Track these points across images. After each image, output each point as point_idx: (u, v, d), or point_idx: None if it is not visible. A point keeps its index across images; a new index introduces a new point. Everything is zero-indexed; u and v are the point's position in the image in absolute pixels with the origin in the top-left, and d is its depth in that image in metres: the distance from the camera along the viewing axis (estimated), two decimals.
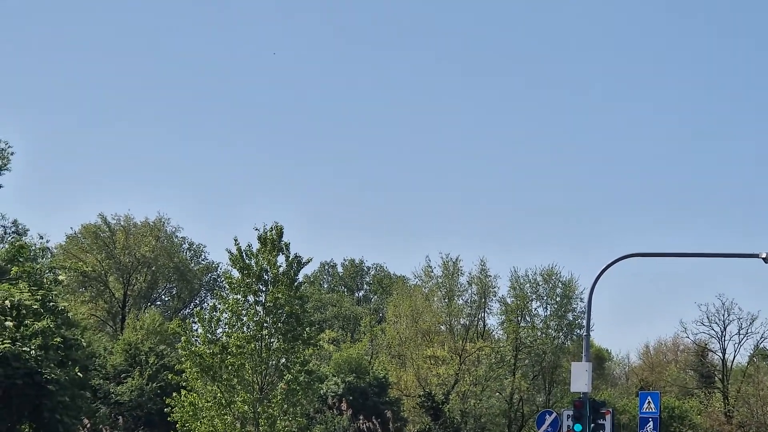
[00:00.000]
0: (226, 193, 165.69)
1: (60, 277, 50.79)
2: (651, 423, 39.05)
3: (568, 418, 35.88)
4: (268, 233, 45.00)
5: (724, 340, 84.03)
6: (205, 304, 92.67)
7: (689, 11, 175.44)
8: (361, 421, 36.91)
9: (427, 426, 68.97)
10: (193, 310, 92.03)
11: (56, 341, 40.35)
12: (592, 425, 30.25)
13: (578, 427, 30.19)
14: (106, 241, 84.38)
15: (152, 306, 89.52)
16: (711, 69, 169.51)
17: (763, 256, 29.88)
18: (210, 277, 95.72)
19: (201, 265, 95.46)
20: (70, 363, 42.42)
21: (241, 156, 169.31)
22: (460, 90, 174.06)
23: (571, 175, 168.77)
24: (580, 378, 30.54)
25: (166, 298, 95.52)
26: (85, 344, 46.54)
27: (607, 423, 33.00)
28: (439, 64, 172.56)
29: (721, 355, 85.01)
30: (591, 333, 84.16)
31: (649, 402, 39.46)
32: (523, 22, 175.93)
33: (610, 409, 33.38)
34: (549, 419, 34.54)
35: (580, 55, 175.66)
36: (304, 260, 46.13)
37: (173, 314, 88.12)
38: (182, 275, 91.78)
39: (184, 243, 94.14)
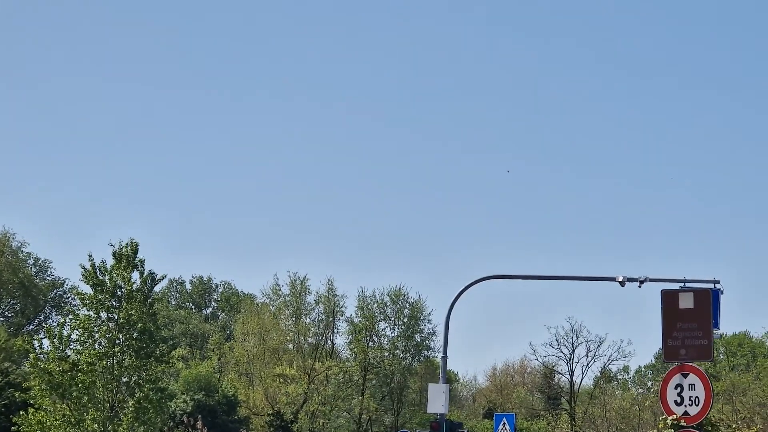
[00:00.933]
0: (73, 209, 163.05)
1: None
2: None
3: None
4: (123, 249, 44.58)
5: (573, 363, 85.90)
6: (51, 320, 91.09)
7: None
8: None
9: None
10: (36, 326, 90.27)
11: None
12: None
13: None
14: None
15: None
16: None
17: (620, 279, 30.81)
18: (56, 293, 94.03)
19: (47, 281, 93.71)
20: None
21: (89, 171, 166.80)
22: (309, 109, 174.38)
23: (424, 199, 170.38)
24: (438, 399, 30.85)
25: (10, 314, 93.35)
26: None
27: None
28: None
29: (569, 377, 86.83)
30: (437, 355, 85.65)
31: (504, 424, 40.06)
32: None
33: (466, 430, 34.01)
34: None
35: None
36: (158, 277, 45.90)
37: (17, 330, 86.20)
38: (27, 291, 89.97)
39: (30, 258, 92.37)
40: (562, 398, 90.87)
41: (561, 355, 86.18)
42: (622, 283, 31.29)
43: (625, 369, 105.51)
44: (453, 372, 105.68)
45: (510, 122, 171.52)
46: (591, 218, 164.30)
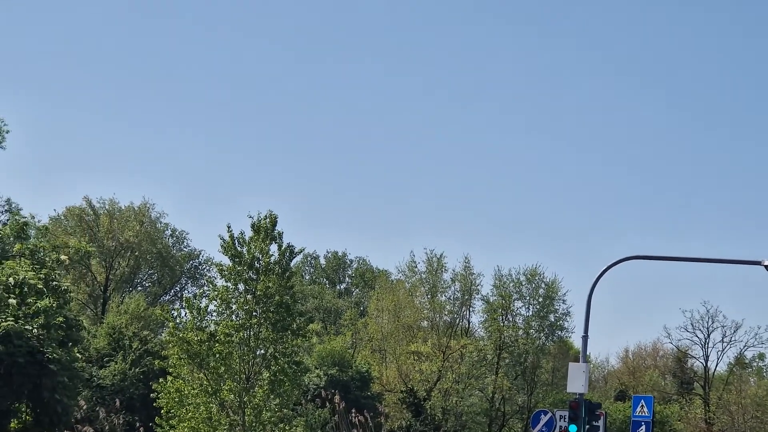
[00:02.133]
0: (211, 183, 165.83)
1: (62, 257, 50.28)
2: (643, 427, 38.82)
3: (560, 418, 35.68)
4: (262, 221, 44.50)
5: (707, 347, 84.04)
6: (187, 291, 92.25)
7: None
8: (353, 415, 36.49)
9: (408, 422, 68.57)
10: (173, 297, 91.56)
11: (58, 321, 39.93)
12: (587, 426, 29.87)
13: (573, 427, 29.82)
14: (90, 224, 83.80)
15: (134, 291, 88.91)
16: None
17: (766, 263, 29.68)
18: (191, 264, 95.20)
19: (183, 252, 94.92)
20: (70, 343, 42.02)
21: (226, 148, 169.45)
22: (447, 98, 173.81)
23: (558, 181, 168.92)
24: (577, 379, 30.16)
25: (147, 284, 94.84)
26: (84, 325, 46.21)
27: (601, 425, 32.79)
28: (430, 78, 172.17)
29: (703, 362, 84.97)
30: (571, 336, 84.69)
31: (642, 406, 39.25)
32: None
33: (604, 411, 33.14)
34: (544, 419, 34.26)
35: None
36: (296, 249, 45.75)
37: (154, 300, 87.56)
38: (164, 261, 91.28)
39: (167, 230, 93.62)
40: (695, 383, 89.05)
41: (696, 339, 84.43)
42: (767, 267, 30.14)
43: (761, 356, 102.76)
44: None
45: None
46: (724, 201, 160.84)
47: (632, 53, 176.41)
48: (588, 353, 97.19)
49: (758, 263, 30.01)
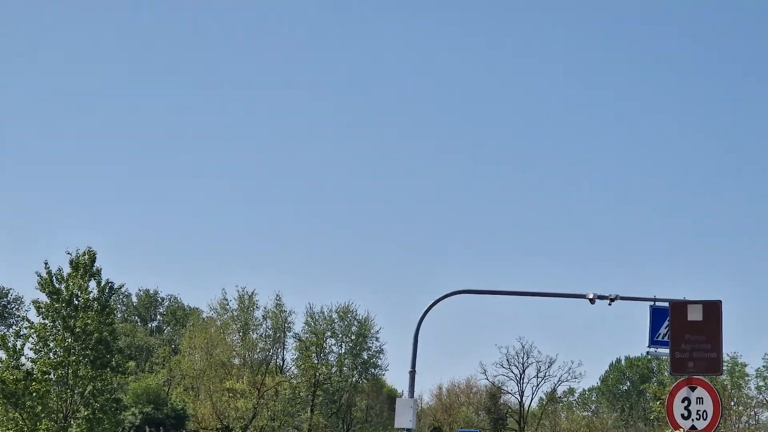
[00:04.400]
0: (16, 219, 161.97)
1: None
2: None
3: None
4: (81, 258, 44.02)
5: (523, 383, 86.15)
6: None
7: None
8: None
9: None
10: None
11: None
12: None
13: None
14: None
15: None
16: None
17: (590, 296, 30.66)
18: (0, 303, 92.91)
19: None
20: None
21: (31, 183, 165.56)
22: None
23: (376, 217, 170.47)
24: (405, 414, 30.33)
25: None
26: None
27: None
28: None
29: (518, 397, 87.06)
30: (384, 373, 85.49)
31: None
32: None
33: None
34: None
35: None
36: (116, 286, 45.39)
37: None
38: None
39: None
40: (509, 418, 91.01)
41: (511, 374, 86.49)
42: (592, 301, 31.03)
43: (571, 391, 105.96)
44: (395, 389, 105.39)
45: (477, 130, 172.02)
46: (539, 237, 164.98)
47: None
48: (400, 390, 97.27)
49: (583, 296, 30.95)
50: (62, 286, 43.64)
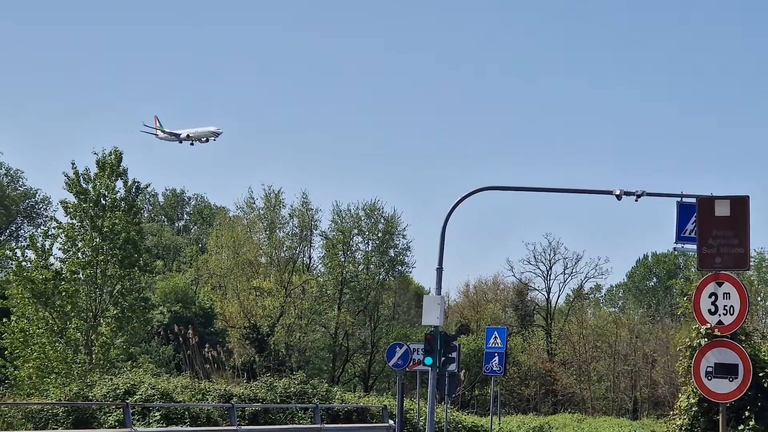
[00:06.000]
0: (44, 120, 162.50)
1: None
2: (497, 357, 39.85)
3: (414, 351, 36.34)
4: (107, 158, 43.99)
5: (550, 280, 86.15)
6: (23, 230, 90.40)
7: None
8: (206, 350, 36.58)
9: (252, 358, 68.80)
10: (8, 237, 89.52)
11: None
12: (443, 359, 30.31)
13: (429, 360, 30.07)
14: None
15: None
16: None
17: (617, 193, 30.51)
18: (28, 203, 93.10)
19: (18, 192, 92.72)
20: None
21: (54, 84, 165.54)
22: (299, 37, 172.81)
23: (400, 114, 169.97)
24: (432, 311, 30.47)
25: None
26: None
27: (455, 356, 33.57)
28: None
29: (545, 294, 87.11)
30: (411, 271, 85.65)
31: (495, 337, 40.21)
32: None
33: (457, 344, 33.77)
34: (399, 352, 34.62)
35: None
36: (143, 186, 45.49)
37: None
38: None
39: (1, 168, 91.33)
40: (536, 315, 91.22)
41: (538, 271, 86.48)
42: (618, 197, 30.94)
43: (598, 288, 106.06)
44: (422, 286, 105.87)
45: (497, 31, 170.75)
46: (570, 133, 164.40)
47: None
48: (427, 287, 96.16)
49: (609, 192, 30.81)
50: (89, 186, 43.62)
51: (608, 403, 75.12)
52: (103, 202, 43.61)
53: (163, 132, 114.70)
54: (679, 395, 17.58)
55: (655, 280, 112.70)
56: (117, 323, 42.94)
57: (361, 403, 37.39)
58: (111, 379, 32.38)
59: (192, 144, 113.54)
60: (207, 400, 31.19)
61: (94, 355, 42.29)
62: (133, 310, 43.65)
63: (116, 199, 43.70)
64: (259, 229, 79.26)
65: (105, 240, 43.15)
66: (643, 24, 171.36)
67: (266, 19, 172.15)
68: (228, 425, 28.26)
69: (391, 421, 34.01)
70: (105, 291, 43.75)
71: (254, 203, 79.30)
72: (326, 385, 38.00)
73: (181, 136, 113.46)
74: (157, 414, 28.79)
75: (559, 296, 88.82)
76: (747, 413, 16.17)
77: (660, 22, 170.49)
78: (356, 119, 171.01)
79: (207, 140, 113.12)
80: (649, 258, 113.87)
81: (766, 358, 16.74)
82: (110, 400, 29.84)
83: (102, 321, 43.20)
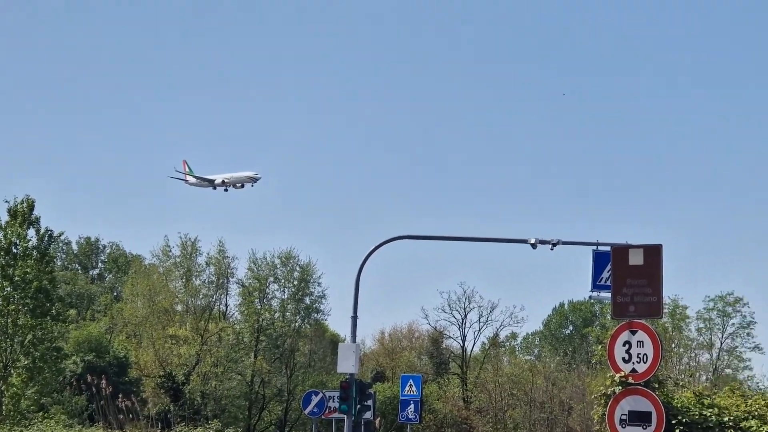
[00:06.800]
0: None
1: None
2: (412, 405, 39.81)
3: (330, 398, 36.14)
4: (19, 206, 43.45)
5: (465, 328, 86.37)
6: None
7: None
8: (120, 400, 36.04)
9: (167, 407, 67.96)
10: None
11: None
12: (359, 406, 30.33)
13: (344, 407, 30.18)
14: None
15: None
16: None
17: (532, 242, 30.80)
18: None
19: None
20: None
21: None
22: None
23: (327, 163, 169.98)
24: (348, 358, 30.58)
25: None
26: None
27: (371, 404, 33.49)
28: None
29: (460, 342, 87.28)
30: (326, 318, 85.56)
31: (410, 385, 40.21)
32: None
33: (373, 391, 33.72)
34: (315, 399, 34.54)
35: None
36: (56, 233, 44.93)
37: None
38: None
39: None
40: (451, 362, 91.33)
41: (453, 319, 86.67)
42: (534, 246, 31.28)
43: (513, 336, 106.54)
44: (338, 334, 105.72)
45: (400, 81, 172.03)
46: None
47: None
48: (342, 335, 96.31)
49: (525, 241, 31.10)
50: (0, 235, 43.05)
51: None
52: (15, 250, 43.02)
53: (194, 177, 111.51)
54: None
55: (571, 327, 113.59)
56: (28, 374, 42.30)
57: None
58: (21, 431, 31.79)
59: (226, 190, 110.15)
60: None
61: (4, 407, 41.58)
62: (44, 360, 43.01)
63: (28, 248, 43.15)
64: (175, 277, 78.76)
65: (16, 289, 42.63)
66: (546, 73, 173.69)
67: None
68: None
69: None
70: (16, 341, 43.10)
71: (170, 251, 78.86)
72: None
73: (216, 182, 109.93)
74: None
75: (474, 344, 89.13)
76: None
77: (557, 70, 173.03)
78: (273, 169, 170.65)
79: (242, 186, 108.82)
80: (566, 306, 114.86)
81: (679, 405, 16.91)
82: None
83: (12, 371, 42.49)
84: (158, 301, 75.65)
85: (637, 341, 16.04)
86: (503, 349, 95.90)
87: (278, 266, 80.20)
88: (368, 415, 34.86)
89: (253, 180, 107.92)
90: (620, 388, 16.19)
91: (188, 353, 71.22)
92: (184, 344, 71.54)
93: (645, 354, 15.97)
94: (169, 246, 78.54)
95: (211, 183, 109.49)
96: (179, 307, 77.97)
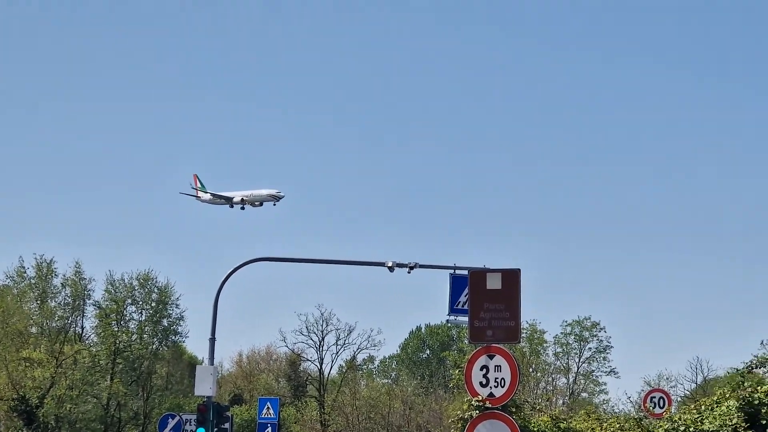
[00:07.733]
0: None
1: None
2: (270, 428, 40.00)
3: (186, 422, 36.09)
4: None
5: (322, 350, 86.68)
6: None
7: None
8: None
9: (20, 431, 66.70)
10: None
11: None
12: (216, 429, 30.39)
13: (202, 430, 30.18)
14: None
15: None
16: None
17: (389, 264, 31.32)
18: None
19: None
20: None
21: None
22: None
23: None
24: (205, 381, 30.64)
25: None
26: None
27: (228, 427, 33.52)
28: None
29: (318, 364, 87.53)
30: (184, 340, 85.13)
31: (268, 408, 40.42)
32: None
33: (230, 414, 33.75)
34: (172, 423, 34.55)
35: None
36: None
37: None
38: None
39: None
40: (309, 385, 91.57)
41: (311, 342, 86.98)
42: (391, 269, 31.86)
43: (371, 359, 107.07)
44: (196, 356, 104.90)
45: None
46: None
47: None
48: (200, 357, 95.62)
49: (382, 264, 31.62)
50: None
51: None
52: None
53: (206, 193, 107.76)
54: None
55: (428, 351, 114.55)
56: None
57: None
58: None
59: (243, 208, 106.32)
60: None
61: None
62: None
63: None
64: (29, 299, 77.55)
65: None
66: (413, 94, 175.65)
67: None
68: None
69: None
70: None
71: (25, 272, 77.63)
72: None
73: (234, 199, 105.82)
74: None
75: (331, 367, 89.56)
76: None
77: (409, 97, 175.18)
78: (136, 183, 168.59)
79: (261, 204, 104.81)
80: (423, 329, 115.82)
81: (536, 429, 17.38)
82: None
83: None
84: (12, 323, 74.17)
85: (495, 365, 16.24)
86: (360, 372, 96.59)
87: (136, 288, 79.85)
88: None
89: (276, 198, 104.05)
90: (477, 412, 16.40)
91: (42, 376, 69.95)
92: (38, 367, 70.26)
93: (503, 378, 16.20)
94: (23, 267, 77.42)
95: (228, 201, 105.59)
96: (34, 329, 76.66)
